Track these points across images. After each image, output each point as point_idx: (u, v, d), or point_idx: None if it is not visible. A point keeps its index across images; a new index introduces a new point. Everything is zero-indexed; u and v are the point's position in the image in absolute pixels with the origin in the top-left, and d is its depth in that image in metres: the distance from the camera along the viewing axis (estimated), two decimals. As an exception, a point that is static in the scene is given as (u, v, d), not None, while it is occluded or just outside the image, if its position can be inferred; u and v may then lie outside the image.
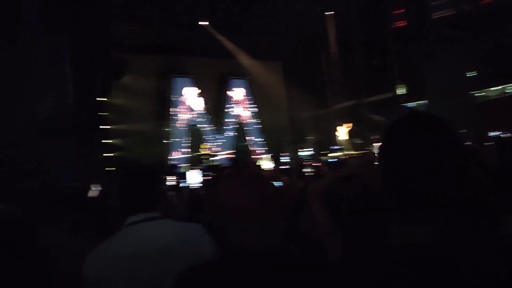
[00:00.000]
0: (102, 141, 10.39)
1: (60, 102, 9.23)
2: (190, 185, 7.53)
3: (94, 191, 4.28)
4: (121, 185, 1.78)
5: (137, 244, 1.57)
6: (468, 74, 12.12)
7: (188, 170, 10.58)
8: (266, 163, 10.98)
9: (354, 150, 11.81)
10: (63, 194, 2.49)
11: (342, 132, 12.57)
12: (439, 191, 0.83)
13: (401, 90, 13.49)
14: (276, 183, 3.43)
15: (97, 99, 10.21)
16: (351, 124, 12.64)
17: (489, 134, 9.56)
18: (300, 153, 12.45)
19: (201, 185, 6.97)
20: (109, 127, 10.93)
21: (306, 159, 11.58)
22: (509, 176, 1.46)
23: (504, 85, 12.92)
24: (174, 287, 1.11)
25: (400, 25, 13.49)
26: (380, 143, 0.94)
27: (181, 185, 6.52)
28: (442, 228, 0.83)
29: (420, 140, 0.85)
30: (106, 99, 10.70)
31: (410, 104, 13.66)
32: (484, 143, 7.82)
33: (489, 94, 13.29)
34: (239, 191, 1.11)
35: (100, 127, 10.36)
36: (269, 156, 13.32)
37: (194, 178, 9.12)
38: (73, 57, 9.57)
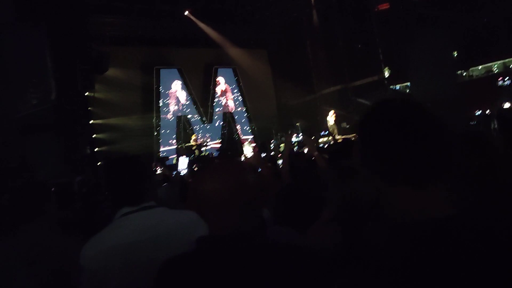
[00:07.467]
0: (89, 135, 10.21)
1: (42, 98, 8.99)
2: (180, 172, 7.61)
3: (82, 185, 4.21)
4: (109, 177, 1.74)
5: (133, 234, 1.56)
6: (453, 54, 12.18)
7: (180, 157, 10.70)
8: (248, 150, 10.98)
9: (340, 135, 11.83)
10: (50, 190, 2.42)
11: (331, 117, 12.61)
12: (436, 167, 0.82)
13: (386, 73, 13.53)
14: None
15: (81, 93, 9.99)
16: (333, 111, 12.70)
17: (476, 114, 9.71)
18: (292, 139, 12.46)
19: (187, 171, 7.04)
20: (95, 121, 10.74)
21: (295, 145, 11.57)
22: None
23: (488, 63, 13.05)
24: (153, 282, 1.11)
25: (383, 8, 13.48)
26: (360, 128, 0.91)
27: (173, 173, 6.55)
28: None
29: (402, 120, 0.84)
30: (90, 93, 10.49)
31: (396, 87, 13.74)
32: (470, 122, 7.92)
33: (474, 73, 13.42)
34: (216, 180, 1.13)
35: (86, 121, 10.16)
36: (256, 144, 13.28)
37: (183, 164, 9.24)
38: (53, 52, 9.29)
